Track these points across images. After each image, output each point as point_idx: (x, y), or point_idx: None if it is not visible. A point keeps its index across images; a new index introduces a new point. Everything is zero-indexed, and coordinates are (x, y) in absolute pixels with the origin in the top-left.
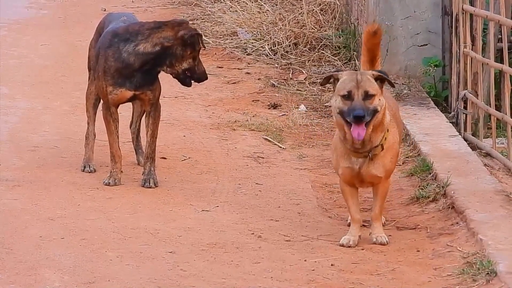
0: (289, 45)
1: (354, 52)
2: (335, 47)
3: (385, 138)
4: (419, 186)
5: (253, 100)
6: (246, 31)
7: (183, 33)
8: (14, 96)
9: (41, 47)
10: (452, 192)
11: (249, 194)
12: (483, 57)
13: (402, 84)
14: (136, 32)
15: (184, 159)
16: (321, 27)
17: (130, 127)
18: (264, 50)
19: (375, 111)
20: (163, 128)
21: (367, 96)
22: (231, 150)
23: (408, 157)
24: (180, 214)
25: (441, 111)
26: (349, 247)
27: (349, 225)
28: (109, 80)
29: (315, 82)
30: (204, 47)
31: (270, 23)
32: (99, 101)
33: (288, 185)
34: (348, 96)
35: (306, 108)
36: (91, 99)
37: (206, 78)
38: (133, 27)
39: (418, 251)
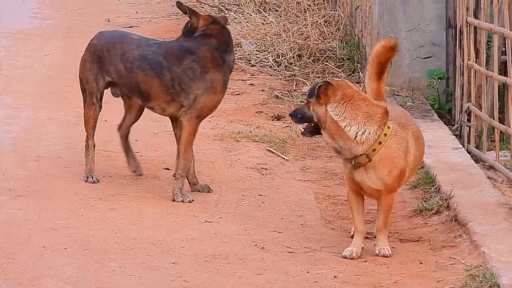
0: (293, 57)
1: (358, 64)
2: (339, 59)
3: (374, 149)
4: (422, 199)
5: (256, 112)
6: (250, 42)
7: None
8: (18, 106)
9: (45, 57)
10: (455, 204)
11: (252, 206)
12: (487, 69)
13: (406, 96)
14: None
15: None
16: (325, 38)
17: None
18: (268, 62)
19: (307, 118)
20: (167, 138)
21: (306, 102)
22: (235, 161)
23: None
24: (183, 225)
25: (444, 123)
26: (352, 259)
27: (352, 237)
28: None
29: None
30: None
31: (274, 35)
32: (97, 122)
33: (291, 196)
34: None
35: None
36: (90, 122)
37: None
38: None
39: (421, 263)
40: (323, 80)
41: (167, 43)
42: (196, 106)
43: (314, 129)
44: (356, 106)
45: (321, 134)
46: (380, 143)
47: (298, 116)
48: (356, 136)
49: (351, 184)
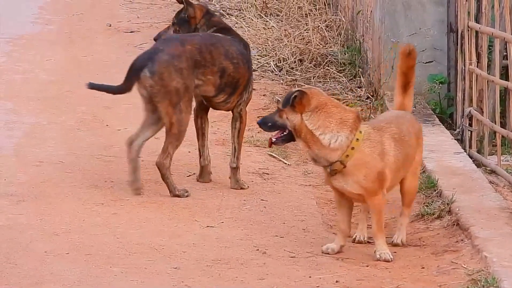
0: (295, 62)
1: (359, 69)
2: (341, 64)
3: (347, 155)
4: (424, 203)
5: (258, 116)
6: (251, 47)
7: None
8: (19, 111)
9: (46, 62)
10: (457, 209)
11: (254, 210)
12: (489, 74)
13: None
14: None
15: (189, 175)
16: (327, 43)
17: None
18: (270, 66)
19: (278, 126)
20: None
21: (277, 110)
22: None
23: None
24: (185, 230)
25: (446, 128)
26: (327, 253)
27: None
28: None
29: None
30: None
31: (275, 39)
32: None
33: (293, 201)
34: None
35: None
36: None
37: None
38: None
39: (423, 268)
40: (297, 89)
41: (233, 39)
42: (249, 97)
43: (288, 138)
44: (329, 113)
45: (293, 141)
46: (352, 148)
47: (268, 124)
48: (330, 144)
49: (333, 190)
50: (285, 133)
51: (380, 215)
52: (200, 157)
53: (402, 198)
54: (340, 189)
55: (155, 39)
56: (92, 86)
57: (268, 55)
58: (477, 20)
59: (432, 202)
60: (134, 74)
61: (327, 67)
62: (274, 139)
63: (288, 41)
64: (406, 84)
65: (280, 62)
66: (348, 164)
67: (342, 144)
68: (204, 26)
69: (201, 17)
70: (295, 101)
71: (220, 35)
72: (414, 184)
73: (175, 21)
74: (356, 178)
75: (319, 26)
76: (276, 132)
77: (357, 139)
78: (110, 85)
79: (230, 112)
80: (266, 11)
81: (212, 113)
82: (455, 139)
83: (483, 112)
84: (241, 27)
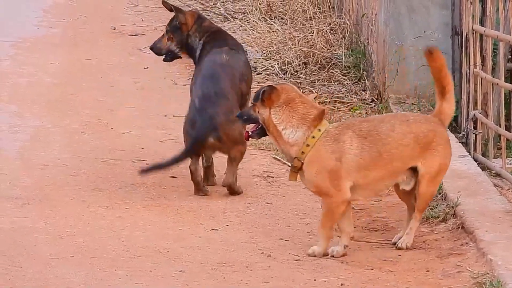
0: (299, 65)
1: (364, 72)
2: (345, 67)
3: (303, 152)
4: (429, 206)
5: None
6: (256, 50)
7: None
8: (24, 114)
9: (50, 66)
10: (462, 212)
11: (259, 213)
12: (493, 77)
13: (412, 104)
14: None
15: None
16: (331, 46)
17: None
18: (274, 69)
19: (252, 119)
20: (173, 146)
21: (252, 104)
22: (241, 169)
23: None
24: (189, 233)
25: (451, 131)
26: (333, 256)
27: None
28: None
29: (325, 102)
30: None
31: (280, 43)
32: None
33: (298, 204)
34: None
35: None
36: None
37: None
38: None
39: (428, 271)
40: (268, 84)
41: (239, 55)
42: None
43: (261, 132)
44: (293, 109)
45: (266, 135)
46: (307, 145)
47: (244, 117)
48: (289, 139)
49: None
50: (259, 127)
51: (329, 215)
52: (203, 159)
53: (416, 202)
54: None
55: (151, 48)
56: (145, 171)
57: (272, 58)
58: (481, 23)
59: (437, 205)
60: (197, 145)
61: (331, 70)
62: (250, 132)
63: (292, 44)
64: (442, 89)
65: (285, 65)
66: (304, 161)
67: (298, 141)
68: (196, 32)
69: (192, 23)
70: (264, 95)
71: (233, 57)
72: (430, 190)
73: (169, 28)
74: (309, 175)
75: (323, 29)
76: (252, 125)
77: (313, 137)
78: (164, 163)
79: None
80: (271, 14)
81: None
82: (459, 142)
83: (487, 115)
84: (246, 30)
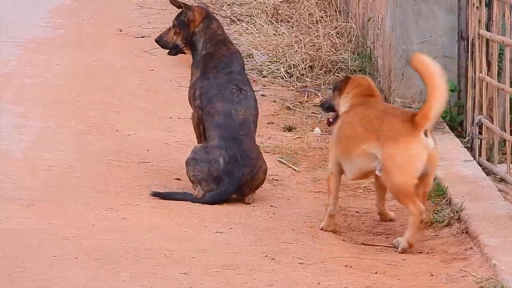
0: (305, 68)
1: (370, 76)
2: (351, 71)
3: None
4: (433, 211)
5: (268, 123)
6: (262, 53)
7: None
8: (29, 115)
9: (56, 67)
10: (466, 217)
11: (263, 216)
12: (499, 82)
13: (418, 108)
14: None
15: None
16: (337, 50)
17: None
18: (280, 73)
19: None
20: (178, 148)
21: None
22: None
23: None
24: (194, 235)
25: (456, 136)
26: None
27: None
28: None
29: None
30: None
31: (286, 46)
32: None
33: (303, 207)
34: None
35: (321, 131)
36: None
37: None
38: None
39: (432, 275)
40: (345, 75)
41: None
42: None
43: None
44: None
45: None
46: None
47: (325, 106)
48: None
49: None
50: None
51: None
52: None
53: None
54: None
55: (156, 41)
56: (158, 194)
57: (278, 61)
58: (487, 28)
59: (442, 209)
60: (218, 201)
61: (337, 74)
62: (331, 119)
63: (298, 48)
64: None
65: (291, 69)
66: None
67: None
68: (202, 33)
69: (200, 21)
70: (340, 85)
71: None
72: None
73: (176, 23)
74: None
75: (329, 32)
76: (333, 113)
77: None
78: (179, 196)
79: None
80: (277, 18)
81: None
82: (464, 147)
83: (493, 120)
84: (252, 33)
